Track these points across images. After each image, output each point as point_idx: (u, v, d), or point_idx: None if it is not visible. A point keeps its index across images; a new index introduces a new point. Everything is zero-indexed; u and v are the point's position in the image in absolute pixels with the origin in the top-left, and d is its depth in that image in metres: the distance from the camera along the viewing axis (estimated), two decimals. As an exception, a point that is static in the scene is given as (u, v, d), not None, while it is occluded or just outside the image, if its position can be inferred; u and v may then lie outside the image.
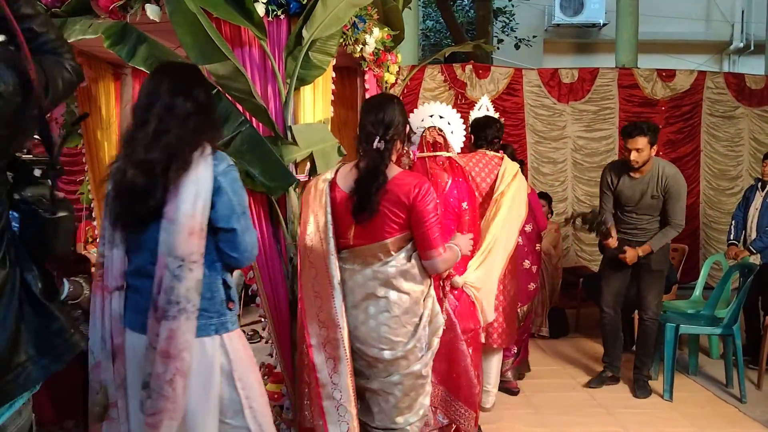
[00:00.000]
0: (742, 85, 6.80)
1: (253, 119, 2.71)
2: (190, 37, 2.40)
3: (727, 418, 3.57)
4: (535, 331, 4.53)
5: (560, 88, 6.71)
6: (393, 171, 2.20)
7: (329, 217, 2.21)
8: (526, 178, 3.97)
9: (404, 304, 2.19)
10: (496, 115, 3.83)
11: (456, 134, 3.06)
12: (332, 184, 2.27)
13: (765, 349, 4.01)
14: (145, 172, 1.73)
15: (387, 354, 2.18)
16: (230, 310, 1.83)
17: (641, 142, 3.65)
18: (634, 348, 4.74)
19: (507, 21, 12.03)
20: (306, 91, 2.84)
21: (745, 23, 12.72)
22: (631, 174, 3.79)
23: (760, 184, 4.69)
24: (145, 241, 1.79)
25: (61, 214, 1.42)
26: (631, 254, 3.80)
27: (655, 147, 3.72)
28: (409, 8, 4.85)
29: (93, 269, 2.00)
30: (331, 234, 2.20)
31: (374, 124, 2.20)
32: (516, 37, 11.65)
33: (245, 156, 2.55)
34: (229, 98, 2.63)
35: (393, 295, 2.18)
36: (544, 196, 5.56)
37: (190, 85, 1.84)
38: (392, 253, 2.18)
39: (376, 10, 3.56)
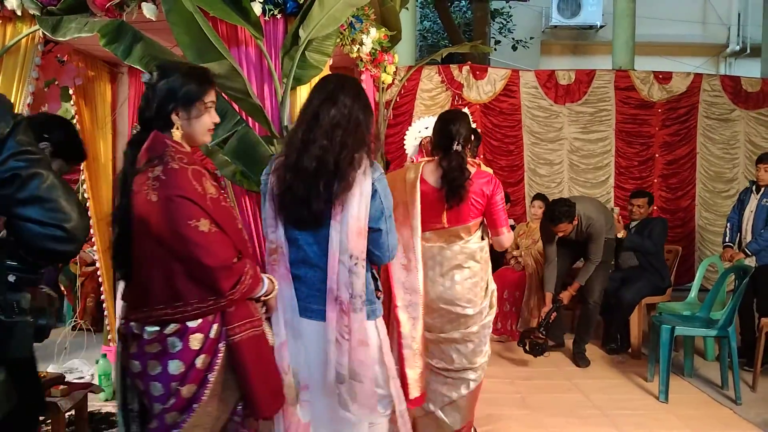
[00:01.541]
0: (738, 88, 6.81)
1: (250, 119, 2.71)
2: (187, 36, 2.40)
3: (722, 420, 3.57)
4: (537, 337, 4.53)
5: (557, 90, 6.71)
6: (470, 168, 2.71)
7: (418, 205, 2.66)
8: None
9: (480, 273, 2.79)
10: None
11: None
12: (420, 179, 2.71)
13: (760, 351, 4.02)
14: (307, 181, 1.88)
15: (469, 310, 2.75)
16: (378, 298, 2.06)
17: (563, 226, 4.34)
18: (629, 351, 4.79)
19: (504, 22, 12.04)
20: (302, 90, 2.82)
21: (741, 26, 12.76)
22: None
23: (755, 187, 4.70)
24: (309, 237, 1.94)
25: (18, 319, 1.27)
26: (566, 296, 4.52)
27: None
28: (407, 9, 4.85)
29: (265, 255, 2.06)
30: (419, 219, 2.66)
31: (452, 132, 2.66)
32: (513, 39, 11.66)
33: (241, 155, 2.55)
34: (226, 97, 2.62)
35: (475, 265, 2.77)
36: (541, 198, 5.57)
37: (357, 98, 1.98)
38: (471, 233, 2.76)
39: (373, 10, 3.56)
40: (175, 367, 1.66)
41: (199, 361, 1.68)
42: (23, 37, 2.84)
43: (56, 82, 3.54)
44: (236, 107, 2.65)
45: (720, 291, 4.37)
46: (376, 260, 2.03)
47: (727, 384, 4.01)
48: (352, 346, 1.90)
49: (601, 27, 12.37)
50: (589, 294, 4.56)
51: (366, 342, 1.93)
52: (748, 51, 12.47)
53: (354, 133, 1.91)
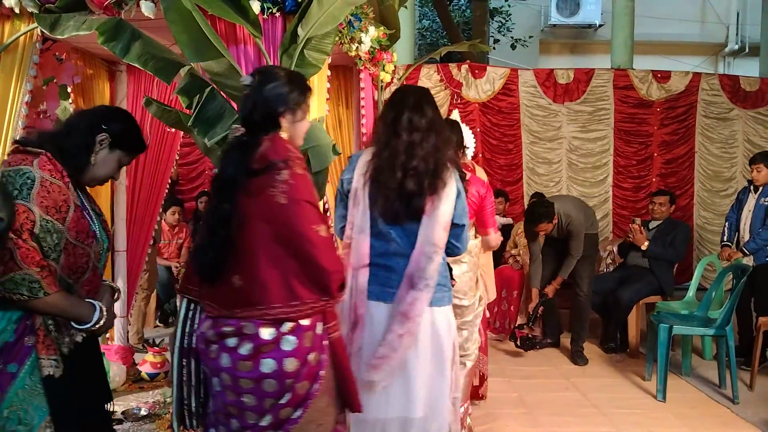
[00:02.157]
0: (737, 87, 6.81)
1: (248, 117, 2.70)
2: (185, 34, 2.39)
3: (720, 419, 3.58)
4: (528, 332, 4.56)
5: (556, 89, 6.71)
6: (466, 173, 2.82)
7: None
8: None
9: (473, 267, 3.08)
10: None
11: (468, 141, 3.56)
12: None
13: (757, 350, 4.03)
14: (415, 179, 2.09)
15: (465, 301, 3.00)
16: (452, 286, 2.32)
17: (543, 225, 4.53)
18: (627, 350, 4.80)
19: (503, 21, 12.04)
20: (301, 89, 2.82)
21: (740, 25, 12.78)
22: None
23: (752, 187, 4.71)
24: (400, 230, 2.14)
25: None
26: (550, 290, 4.68)
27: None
28: (405, 7, 4.84)
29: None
30: None
31: None
32: (512, 37, 11.66)
33: (239, 154, 2.53)
34: (224, 96, 2.62)
35: (471, 260, 3.03)
36: (540, 196, 5.58)
37: (436, 107, 2.26)
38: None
39: (372, 8, 3.55)
40: (290, 364, 1.73)
41: (311, 358, 1.77)
42: (21, 35, 2.82)
43: (55, 80, 3.53)
44: (235, 106, 2.64)
45: (718, 290, 4.37)
46: (455, 252, 2.24)
47: (724, 383, 4.02)
48: (396, 317, 2.08)
49: (600, 26, 12.38)
50: (577, 287, 4.69)
51: (411, 319, 2.08)
52: (747, 50, 12.50)
53: (443, 137, 2.18)
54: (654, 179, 6.79)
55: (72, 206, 1.82)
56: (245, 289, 1.75)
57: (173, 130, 3.81)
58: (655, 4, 11.45)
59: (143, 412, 3.34)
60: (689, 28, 12.76)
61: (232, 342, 1.75)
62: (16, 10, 2.74)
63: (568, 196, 5.75)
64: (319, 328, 1.80)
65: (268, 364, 1.72)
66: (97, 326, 1.84)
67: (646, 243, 4.78)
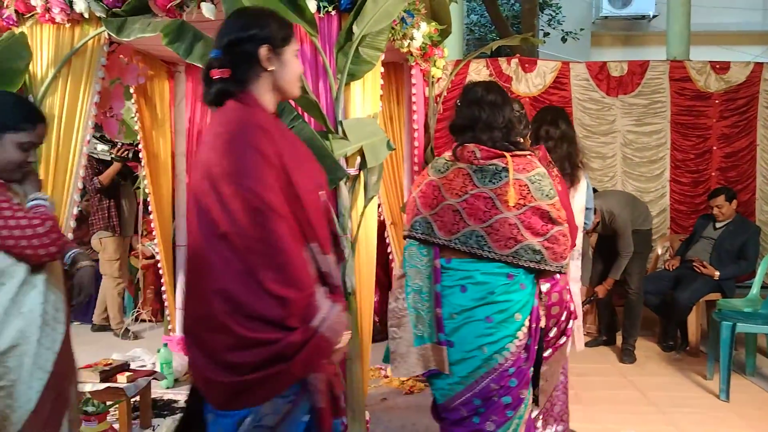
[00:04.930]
0: (802, 77, 6.51)
1: (305, 114, 2.76)
2: (246, 33, 2.45)
3: (787, 421, 3.46)
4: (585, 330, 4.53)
5: (609, 82, 6.55)
6: None
7: None
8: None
9: None
10: None
11: None
12: None
13: (827, 349, 3.87)
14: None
15: None
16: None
17: None
18: (687, 348, 4.67)
19: (553, 14, 11.82)
20: (356, 86, 2.86)
21: (804, 12, 12.20)
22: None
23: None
24: None
25: None
26: (600, 289, 4.58)
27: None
28: (456, 2, 4.83)
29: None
30: None
31: None
32: (563, 30, 11.44)
33: (298, 150, 2.59)
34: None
35: None
36: (593, 192, 5.46)
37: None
38: None
39: (423, 4, 3.56)
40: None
41: None
42: (90, 39, 2.96)
43: (120, 81, 3.68)
44: (293, 103, 2.70)
45: (783, 287, 4.21)
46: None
47: (792, 383, 3.87)
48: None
49: (654, 17, 12.02)
50: (626, 284, 4.59)
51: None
52: (812, 38, 11.93)
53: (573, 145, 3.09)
54: (713, 173, 6.56)
55: None
56: None
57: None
58: (712, -8, 11.05)
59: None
60: (750, 16, 12.25)
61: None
62: (86, 15, 2.87)
63: (614, 192, 5.58)
64: None
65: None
66: None
67: (717, 273, 4.57)
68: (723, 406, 3.65)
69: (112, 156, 4.86)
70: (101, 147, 4.88)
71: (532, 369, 2.24)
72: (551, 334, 2.38)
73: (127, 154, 4.80)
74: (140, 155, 4.05)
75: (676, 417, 3.46)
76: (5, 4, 2.94)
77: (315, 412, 1.51)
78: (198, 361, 1.49)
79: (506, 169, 2.10)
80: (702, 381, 4.05)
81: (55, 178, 2.94)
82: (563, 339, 2.43)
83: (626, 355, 4.51)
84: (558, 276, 2.31)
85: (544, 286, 2.29)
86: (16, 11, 2.93)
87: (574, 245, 2.56)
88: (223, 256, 1.40)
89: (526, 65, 6.52)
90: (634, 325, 4.59)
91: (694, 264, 4.66)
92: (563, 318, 2.40)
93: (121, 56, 3.55)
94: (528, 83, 6.49)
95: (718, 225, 4.79)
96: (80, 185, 3.03)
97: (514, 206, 2.07)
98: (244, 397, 1.43)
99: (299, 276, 1.43)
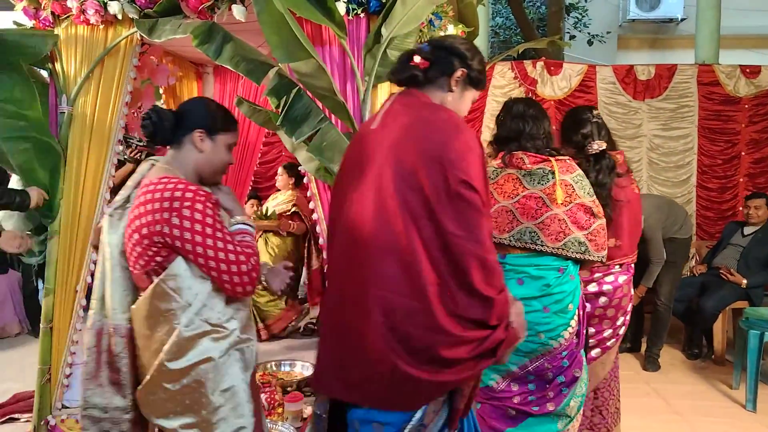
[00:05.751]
0: (835, 82, 6.38)
1: (332, 116, 2.77)
2: (277, 36, 2.48)
3: (816, 433, 3.39)
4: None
5: (636, 85, 6.49)
6: None
7: None
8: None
9: None
10: None
11: None
12: None
13: None
14: None
15: None
16: None
17: None
18: (713, 357, 4.60)
19: (579, 17, 11.73)
20: (383, 88, 2.87)
21: (838, 16, 11.93)
22: None
23: None
24: None
25: None
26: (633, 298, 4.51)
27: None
28: (483, 5, 4.82)
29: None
30: None
31: None
32: (589, 33, 11.34)
33: (325, 152, 2.60)
34: (311, 96, 2.70)
35: None
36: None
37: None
38: None
39: (451, 7, 3.56)
40: None
41: None
42: (122, 39, 3.01)
43: (150, 82, 3.74)
44: (320, 105, 2.72)
45: (814, 296, 4.13)
46: None
47: (821, 395, 3.80)
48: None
49: (683, 20, 11.86)
50: (656, 295, 4.48)
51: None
52: None
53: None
54: (741, 179, 6.46)
55: None
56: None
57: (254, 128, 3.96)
58: (743, -5, 10.86)
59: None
60: (781, 19, 12.02)
61: None
62: (119, 17, 2.93)
63: (647, 195, 5.44)
64: None
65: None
66: None
67: (745, 281, 4.50)
68: (750, 417, 3.59)
69: (125, 157, 4.91)
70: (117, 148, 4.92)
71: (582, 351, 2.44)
72: (605, 334, 2.66)
73: (141, 156, 4.85)
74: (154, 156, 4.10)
75: (701, 426, 3.42)
76: (42, 5, 3.01)
77: (451, 411, 1.57)
78: (386, 358, 1.45)
79: (552, 172, 2.32)
80: (728, 390, 3.99)
81: (86, 176, 3.01)
82: (612, 341, 2.72)
83: (650, 363, 4.46)
84: (621, 280, 2.73)
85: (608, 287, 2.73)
86: (52, 13, 3.00)
87: (635, 248, 2.86)
88: (434, 256, 1.45)
89: (552, 68, 6.48)
90: (660, 336, 4.52)
91: (721, 271, 4.59)
92: (619, 323, 2.72)
93: (151, 57, 3.61)
94: (553, 86, 6.46)
95: (746, 232, 4.71)
96: (111, 184, 3.09)
97: (562, 203, 2.29)
98: (424, 395, 1.50)
99: (499, 276, 1.54)
